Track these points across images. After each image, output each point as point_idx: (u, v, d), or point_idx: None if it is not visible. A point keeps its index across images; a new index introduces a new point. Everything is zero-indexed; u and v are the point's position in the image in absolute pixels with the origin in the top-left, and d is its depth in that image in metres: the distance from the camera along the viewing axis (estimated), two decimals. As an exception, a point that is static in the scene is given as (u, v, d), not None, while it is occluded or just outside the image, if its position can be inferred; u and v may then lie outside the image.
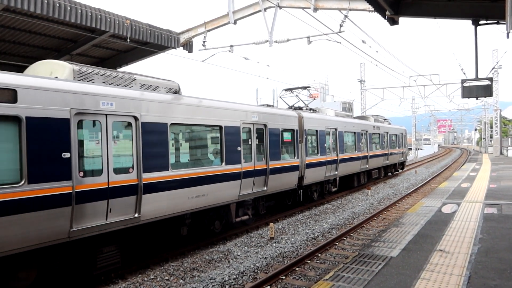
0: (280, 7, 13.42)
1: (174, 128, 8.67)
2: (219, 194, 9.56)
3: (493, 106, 45.81)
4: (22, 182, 5.77)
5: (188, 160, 9.59)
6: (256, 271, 7.84)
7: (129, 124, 7.49)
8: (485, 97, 10.05)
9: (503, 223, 9.00)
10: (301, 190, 14.15)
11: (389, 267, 6.20)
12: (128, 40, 12.49)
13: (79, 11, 10.82)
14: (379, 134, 22.38)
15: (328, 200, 16.48)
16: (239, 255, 8.93)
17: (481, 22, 8.81)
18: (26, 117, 5.88)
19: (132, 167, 7.46)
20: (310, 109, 16.30)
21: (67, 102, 6.40)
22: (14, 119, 5.79)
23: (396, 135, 26.02)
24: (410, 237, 8.03)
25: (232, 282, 7.21)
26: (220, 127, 9.75)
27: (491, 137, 52.17)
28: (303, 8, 13.20)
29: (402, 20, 9.51)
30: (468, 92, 9.49)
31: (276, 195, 13.02)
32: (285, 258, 8.72)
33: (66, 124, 6.35)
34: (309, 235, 10.57)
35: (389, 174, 26.20)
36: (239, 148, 10.29)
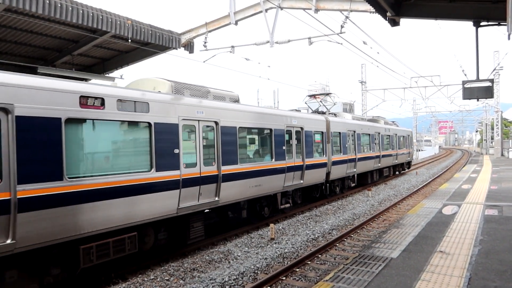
0: (281, 8, 13.43)
1: (240, 131, 10.65)
2: (270, 185, 11.78)
3: (494, 107, 45.77)
4: (152, 170, 7.80)
5: (249, 156, 11.41)
6: (256, 271, 7.84)
7: (212, 128, 9.58)
8: (486, 98, 10.05)
9: (503, 225, 9.00)
10: (328, 184, 16.39)
11: (389, 268, 6.20)
12: (130, 40, 12.50)
13: (81, 11, 10.83)
14: (389, 135, 24.40)
15: (329, 201, 16.49)
16: (239, 256, 8.94)
17: (482, 23, 8.81)
18: (154, 123, 7.92)
19: (215, 161, 9.53)
20: (331, 114, 18.20)
21: (178, 112, 8.53)
22: (148, 125, 7.85)
23: (403, 136, 28.16)
24: (411, 238, 8.03)
25: (232, 283, 7.22)
26: (270, 129, 11.95)
27: (492, 138, 52.11)
28: (304, 9, 13.20)
29: (403, 21, 9.51)
30: (469, 93, 9.49)
31: (307, 188, 15.03)
32: (285, 259, 8.72)
33: (176, 128, 8.46)
34: (310, 236, 10.57)
35: (397, 173, 27.97)
36: (284, 147, 12.48)
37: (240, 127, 10.49)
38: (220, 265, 8.36)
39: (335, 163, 16.25)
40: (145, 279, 7.53)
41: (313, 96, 19.91)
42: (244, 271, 7.74)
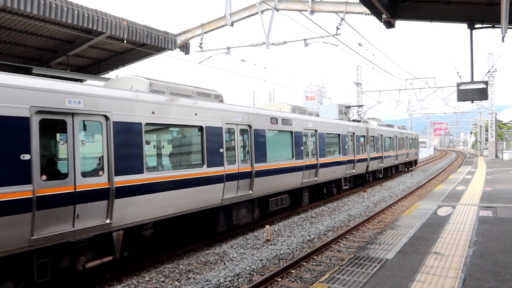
0: (277, 10, 13.44)
1: (320, 136, 15.63)
2: (339, 172, 17.31)
3: (489, 109, 46.08)
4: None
5: (331, 152, 16.58)
6: (252, 273, 7.83)
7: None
8: (480, 100, 10.11)
9: (498, 226, 9.05)
10: (367, 175, 21.94)
11: (384, 269, 6.21)
12: (125, 41, 12.46)
13: (76, 12, 10.79)
14: (402, 138, 29.70)
15: (324, 202, 16.51)
16: (235, 257, 8.92)
17: (476, 25, 8.87)
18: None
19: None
20: (364, 121, 23.38)
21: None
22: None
23: (412, 138, 33.96)
24: (406, 239, 8.05)
25: (227, 284, 7.20)
26: (339, 135, 17.46)
27: (486, 140, 52.46)
28: (300, 10, 13.22)
29: (398, 23, 9.57)
30: (464, 95, 9.55)
31: (352, 177, 20.01)
32: (281, 260, 8.71)
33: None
34: (305, 237, 10.57)
35: (406, 169, 32.99)
36: (346, 146, 18.05)
37: (322, 133, 15.59)
38: (215, 267, 8.34)
39: (371, 159, 21.81)
40: (140, 280, 7.50)
41: (348, 107, 26.00)
42: (239, 273, 7.72)
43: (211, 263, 8.54)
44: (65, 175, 6.45)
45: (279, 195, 12.69)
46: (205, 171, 9.30)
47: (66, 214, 6.33)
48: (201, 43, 15.15)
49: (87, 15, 11.08)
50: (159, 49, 14.59)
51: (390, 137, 26.12)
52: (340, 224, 12.35)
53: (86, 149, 7.07)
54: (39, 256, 6.19)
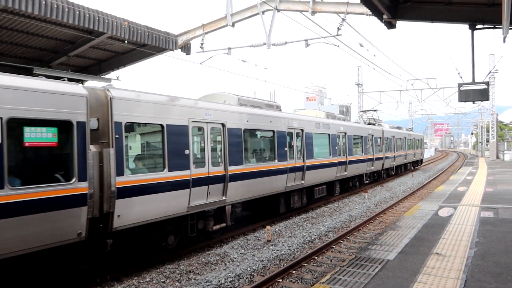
0: (278, 10, 13.43)
1: (354, 138, 19.22)
2: (360, 169, 19.95)
3: (490, 110, 46.01)
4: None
5: (356, 152, 19.63)
6: (252, 273, 7.82)
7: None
8: (481, 101, 10.09)
9: (499, 227, 9.03)
10: (382, 171, 25.09)
11: (385, 270, 6.20)
12: (126, 41, 12.46)
13: (77, 12, 10.78)
14: (410, 139, 32.96)
15: (325, 203, 16.50)
16: (235, 258, 8.91)
17: (477, 26, 8.84)
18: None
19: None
20: (379, 124, 26.16)
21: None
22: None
23: (418, 140, 37.02)
24: (407, 240, 8.03)
25: (228, 285, 7.19)
26: (361, 136, 20.47)
27: (487, 141, 52.37)
28: (301, 11, 13.20)
29: (399, 23, 9.54)
30: (465, 96, 9.52)
31: (371, 173, 23.02)
32: (281, 261, 8.70)
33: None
34: (306, 238, 10.56)
35: (413, 167, 35.93)
36: (367, 146, 21.10)
37: (350, 135, 18.60)
38: (216, 267, 8.33)
39: (386, 158, 24.87)
40: (141, 281, 7.49)
41: (364, 111, 28.94)
42: (240, 273, 7.71)
43: (212, 264, 8.53)
44: (203, 164, 9.40)
45: (320, 186, 15.49)
46: (275, 164, 12.25)
47: (203, 192, 9.26)
48: (202, 44, 15.14)
49: (88, 15, 11.07)
50: (160, 50, 14.59)
51: (401, 138, 29.25)
52: (341, 224, 12.33)
53: (213, 146, 9.83)
54: (191, 219, 9.18)
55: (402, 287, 5.48)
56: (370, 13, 9.53)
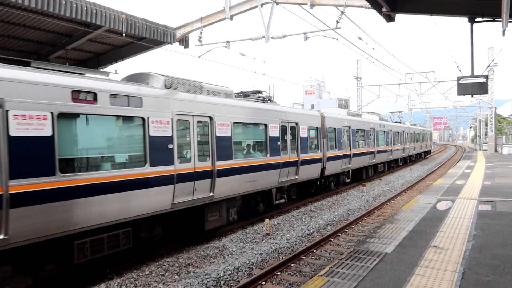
0: (277, 3, 13.36)
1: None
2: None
3: (488, 103, 46.03)
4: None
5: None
6: (251, 267, 7.86)
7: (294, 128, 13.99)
8: (480, 94, 10.08)
9: (497, 220, 9.07)
10: (407, 157, 31.38)
11: (383, 263, 6.23)
12: (124, 35, 12.38)
13: (74, 5, 10.69)
14: (423, 134, 40.25)
15: (324, 196, 16.54)
16: (234, 251, 8.94)
17: (477, 19, 8.80)
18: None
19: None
20: (402, 122, 33.22)
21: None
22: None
23: (428, 134, 43.67)
24: (405, 233, 8.07)
25: (227, 278, 7.22)
26: (397, 132, 27.68)
27: (485, 134, 52.43)
28: (299, 4, 13.12)
29: (398, 16, 9.49)
30: (464, 89, 9.51)
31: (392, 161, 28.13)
32: (280, 254, 8.74)
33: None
34: (305, 231, 10.60)
35: (424, 156, 43.15)
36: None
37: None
38: (215, 261, 8.36)
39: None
40: (140, 274, 7.52)
41: (392, 112, 35.94)
42: (239, 266, 7.74)
43: (211, 257, 8.56)
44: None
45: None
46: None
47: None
48: (200, 37, 15.06)
49: (85, 8, 10.98)
50: (158, 43, 14.49)
51: (414, 132, 35.66)
52: (339, 218, 12.37)
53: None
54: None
55: (400, 279, 5.51)
56: (369, 6, 9.50)
